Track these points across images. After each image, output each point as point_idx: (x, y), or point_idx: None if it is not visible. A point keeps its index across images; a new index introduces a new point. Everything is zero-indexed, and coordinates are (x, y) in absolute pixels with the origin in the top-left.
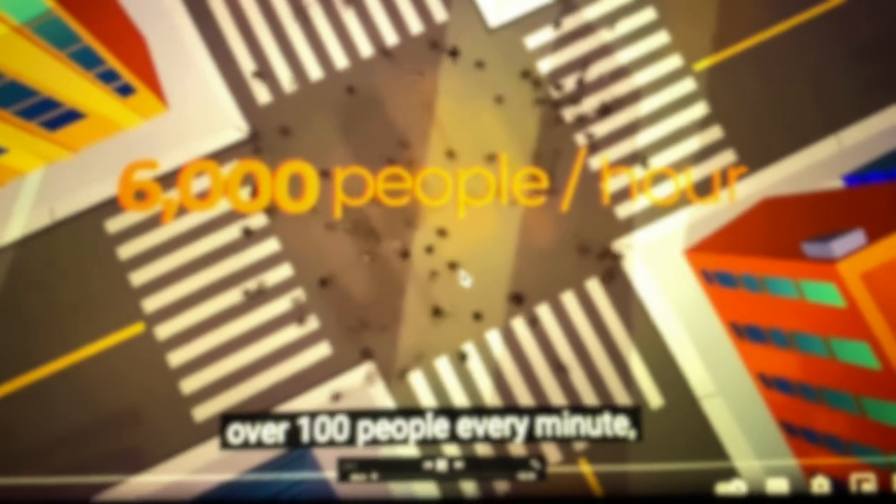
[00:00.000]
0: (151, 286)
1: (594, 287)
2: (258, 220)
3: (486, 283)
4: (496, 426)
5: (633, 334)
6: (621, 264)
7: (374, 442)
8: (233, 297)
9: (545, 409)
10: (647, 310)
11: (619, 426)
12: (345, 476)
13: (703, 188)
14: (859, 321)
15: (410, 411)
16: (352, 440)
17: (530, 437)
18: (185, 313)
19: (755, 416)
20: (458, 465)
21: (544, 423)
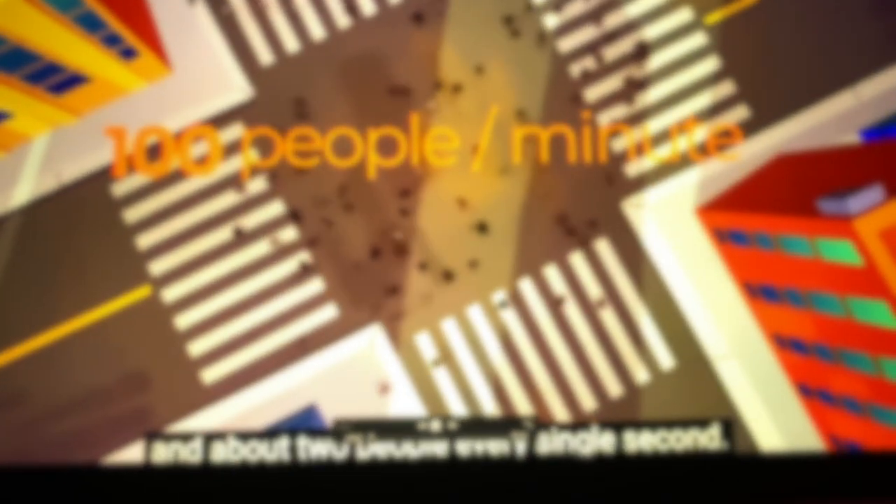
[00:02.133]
0: (157, 249)
1: (604, 248)
2: (258, 185)
3: (495, 243)
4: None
5: (645, 295)
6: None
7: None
8: (240, 258)
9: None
10: (658, 270)
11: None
12: (339, 436)
13: (714, 146)
14: (877, 280)
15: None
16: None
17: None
18: (192, 276)
19: (770, 377)
20: (452, 425)
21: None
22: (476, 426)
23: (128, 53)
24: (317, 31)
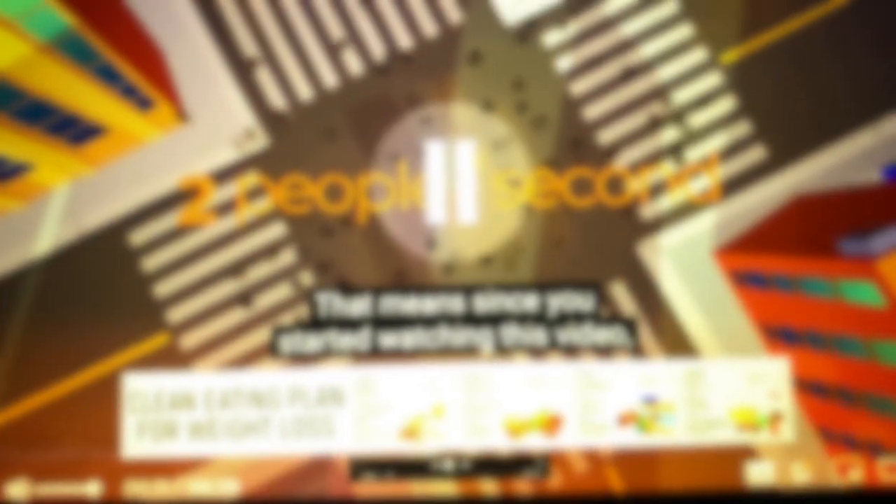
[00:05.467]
0: (175, 297)
1: (619, 290)
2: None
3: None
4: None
5: (662, 340)
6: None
7: None
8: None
9: None
10: (676, 315)
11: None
12: (357, 475)
13: (732, 185)
14: None
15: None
16: None
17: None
18: (210, 323)
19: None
20: (466, 465)
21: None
22: (488, 465)
23: (144, 103)
24: (329, 78)
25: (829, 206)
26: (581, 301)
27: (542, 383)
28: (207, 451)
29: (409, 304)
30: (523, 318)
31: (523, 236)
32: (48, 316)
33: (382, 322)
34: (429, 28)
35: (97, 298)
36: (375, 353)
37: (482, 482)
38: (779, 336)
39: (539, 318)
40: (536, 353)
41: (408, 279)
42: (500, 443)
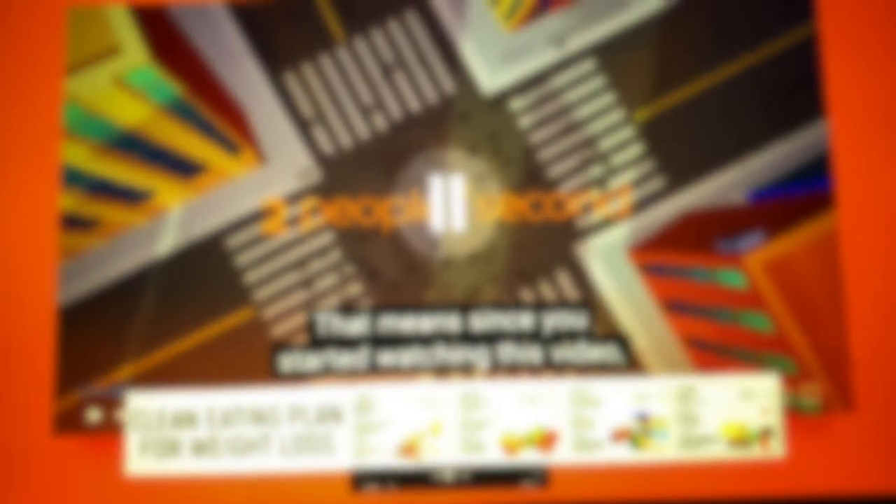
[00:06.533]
0: (258, 283)
1: (563, 277)
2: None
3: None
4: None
5: (595, 312)
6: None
7: None
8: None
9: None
10: (603, 295)
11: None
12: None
13: (641, 205)
14: (758, 298)
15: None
16: None
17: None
18: (282, 301)
19: (679, 362)
20: (465, 476)
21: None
22: (487, 475)
23: (233, 148)
24: (363, 132)
25: (709, 219)
26: (573, 320)
27: (537, 400)
28: (210, 468)
29: (407, 323)
30: (519, 337)
31: (498, 240)
32: (168, 296)
33: (380, 341)
34: (431, 97)
35: (202, 285)
36: (374, 372)
37: (481, 492)
38: (673, 308)
39: (534, 336)
40: (532, 370)
41: (418, 271)
42: (496, 458)
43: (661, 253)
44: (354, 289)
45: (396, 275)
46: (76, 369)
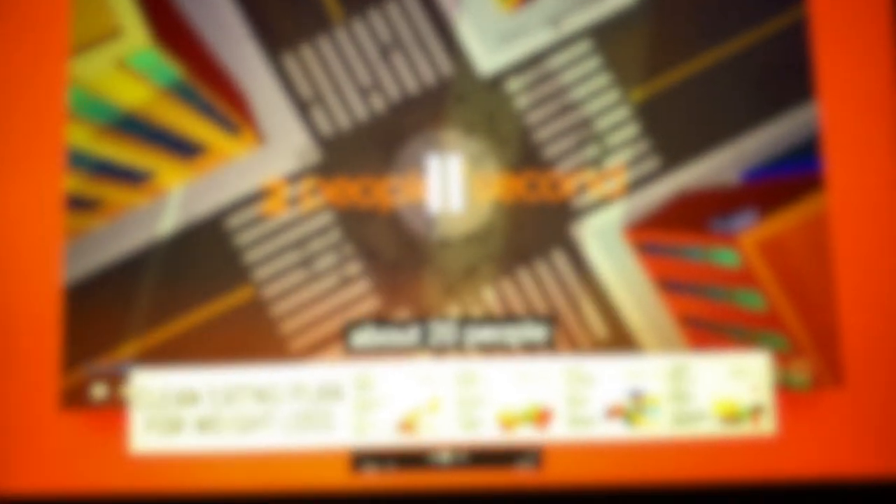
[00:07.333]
0: (257, 262)
1: (559, 257)
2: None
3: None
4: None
5: (588, 291)
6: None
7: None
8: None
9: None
10: (597, 273)
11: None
12: (358, 466)
13: (636, 185)
14: (751, 276)
15: None
16: None
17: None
18: (282, 280)
19: (673, 340)
20: (462, 457)
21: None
22: (482, 456)
23: (233, 128)
24: (361, 112)
25: (704, 198)
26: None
27: (532, 378)
28: (213, 445)
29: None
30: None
31: (494, 220)
32: (169, 275)
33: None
34: (429, 77)
35: (203, 264)
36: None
37: (478, 473)
38: (668, 288)
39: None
40: (529, 349)
41: (415, 251)
42: (492, 435)
43: (655, 232)
44: (353, 268)
45: (395, 254)
46: (82, 346)
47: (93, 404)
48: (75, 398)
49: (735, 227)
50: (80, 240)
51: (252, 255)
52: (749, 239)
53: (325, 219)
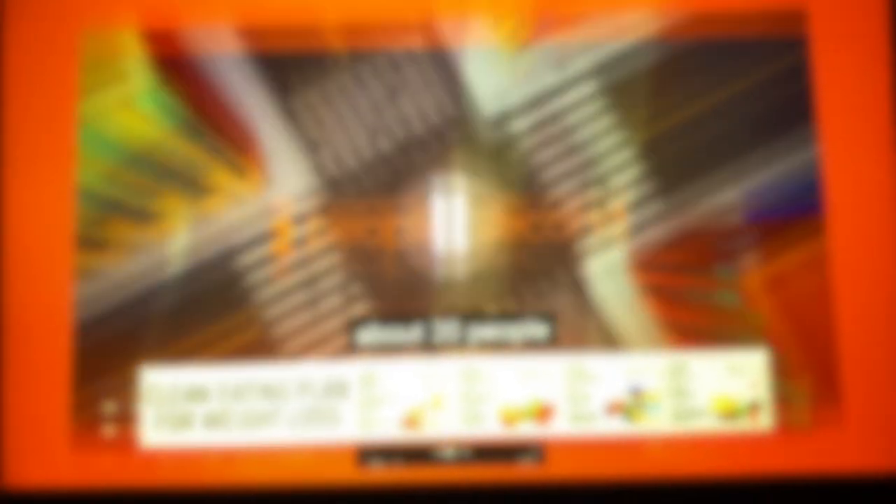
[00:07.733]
0: (267, 301)
1: (563, 297)
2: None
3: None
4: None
5: (589, 324)
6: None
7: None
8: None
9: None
10: (601, 310)
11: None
12: (366, 462)
13: (638, 227)
14: (755, 317)
15: None
16: None
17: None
18: (290, 319)
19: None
20: (465, 453)
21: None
22: (485, 452)
23: (241, 170)
24: (368, 154)
25: (706, 240)
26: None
27: (534, 375)
28: (222, 440)
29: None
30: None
31: (498, 260)
32: (176, 315)
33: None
34: (435, 119)
35: (213, 300)
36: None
37: (481, 467)
38: (669, 328)
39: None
40: (531, 346)
41: (420, 289)
42: (495, 430)
43: (658, 274)
44: (359, 308)
45: (400, 294)
46: (91, 388)
47: (103, 418)
48: (85, 413)
49: (737, 268)
50: (89, 279)
51: (261, 295)
52: (752, 280)
53: (332, 259)
